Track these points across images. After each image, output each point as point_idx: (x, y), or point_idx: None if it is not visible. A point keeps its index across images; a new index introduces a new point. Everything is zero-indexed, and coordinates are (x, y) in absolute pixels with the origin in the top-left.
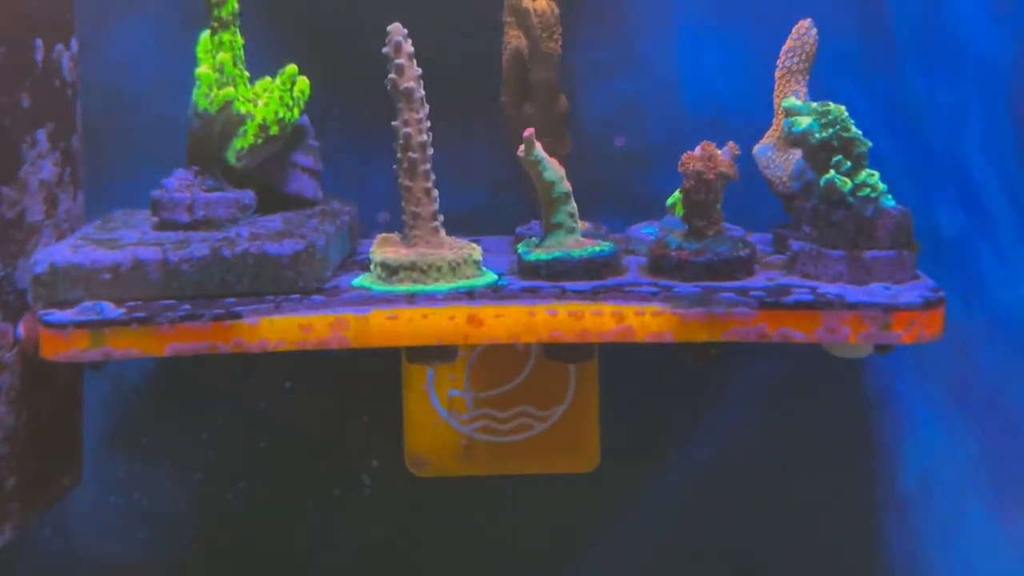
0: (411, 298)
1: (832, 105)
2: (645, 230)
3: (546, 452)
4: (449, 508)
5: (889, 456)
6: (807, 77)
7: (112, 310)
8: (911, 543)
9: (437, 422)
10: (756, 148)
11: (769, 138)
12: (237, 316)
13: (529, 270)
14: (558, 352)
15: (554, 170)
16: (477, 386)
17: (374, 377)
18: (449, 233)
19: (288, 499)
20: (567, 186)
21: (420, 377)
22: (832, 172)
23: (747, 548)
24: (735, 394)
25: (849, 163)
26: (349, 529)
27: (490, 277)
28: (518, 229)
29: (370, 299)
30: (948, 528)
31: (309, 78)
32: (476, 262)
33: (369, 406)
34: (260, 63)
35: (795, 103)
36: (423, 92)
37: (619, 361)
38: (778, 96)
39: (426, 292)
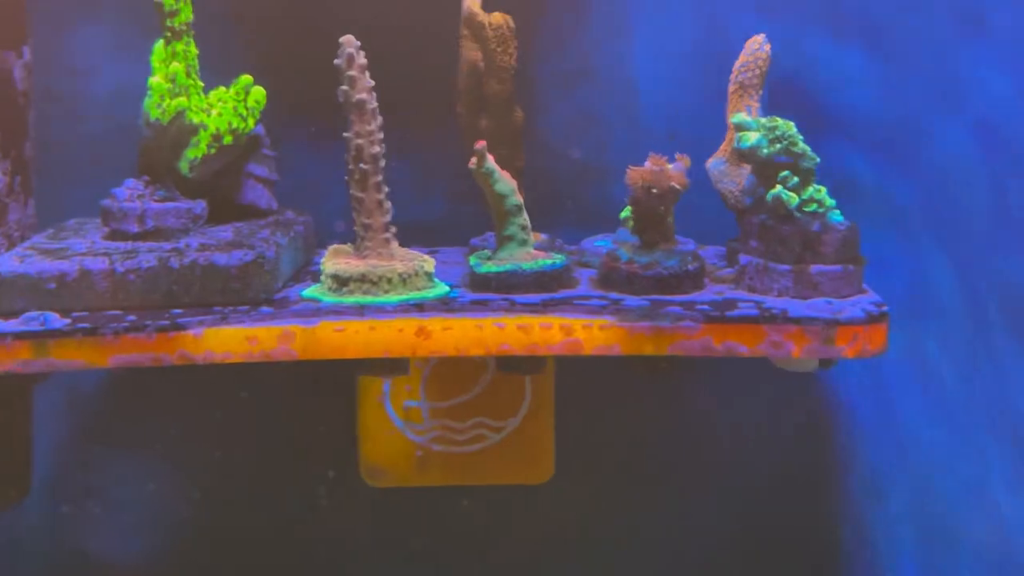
0: (360, 310)
1: (780, 121)
2: (599, 243)
3: (501, 463)
4: (405, 518)
5: (842, 465)
6: (760, 92)
7: (56, 320)
8: (866, 548)
9: (392, 432)
10: (709, 162)
11: (722, 153)
12: (182, 327)
13: (480, 282)
14: (510, 364)
15: (506, 182)
16: (433, 397)
17: (330, 387)
18: (408, 244)
19: (243, 509)
20: (519, 199)
21: (376, 388)
22: (779, 187)
23: (703, 558)
24: (689, 407)
25: (796, 178)
26: (304, 539)
27: (442, 289)
28: (472, 241)
29: (319, 311)
30: (903, 534)
31: (268, 89)
32: (428, 274)
33: (325, 416)
34: (218, 73)
35: (744, 119)
36: (376, 104)
37: (575, 373)
38: (731, 111)
39: (376, 304)
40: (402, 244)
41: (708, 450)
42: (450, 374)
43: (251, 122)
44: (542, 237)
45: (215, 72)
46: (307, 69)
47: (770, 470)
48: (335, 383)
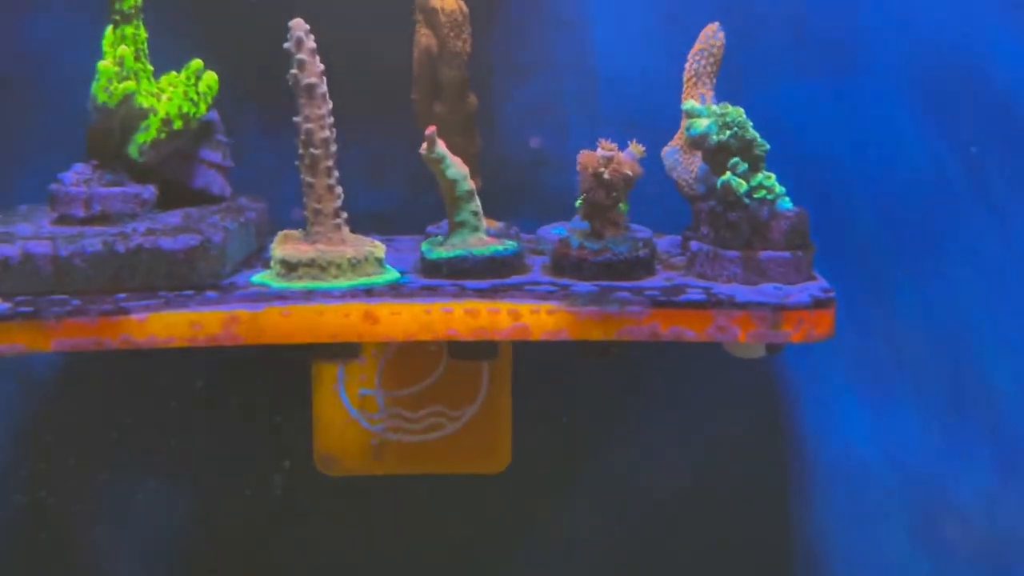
0: (308, 295)
1: (731, 108)
2: (555, 230)
3: (457, 452)
4: (361, 508)
5: (799, 449)
6: (715, 80)
7: None
8: (822, 533)
9: (347, 421)
10: (664, 151)
11: (676, 141)
12: (125, 312)
13: (431, 268)
14: (461, 351)
15: (457, 168)
16: (388, 385)
17: (286, 376)
18: (366, 232)
19: (198, 499)
20: (471, 184)
21: (330, 376)
22: (728, 174)
23: (660, 547)
24: (647, 393)
25: (746, 165)
26: (260, 530)
27: (392, 275)
28: (428, 228)
29: (266, 296)
30: (857, 516)
31: (224, 74)
32: (378, 260)
33: (281, 405)
34: (172, 58)
35: (694, 106)
36: (325, 88)
37: (533, 361)
38: (685, 99)
39: (324, 289)
40: (360, 232)
41: (662, 436)
42: (406, 362)
43: (202, 107)
44: (498, 224)
45: (170, 57)
46: (268, 53)
47: (725, 456)
48: (292, 372)
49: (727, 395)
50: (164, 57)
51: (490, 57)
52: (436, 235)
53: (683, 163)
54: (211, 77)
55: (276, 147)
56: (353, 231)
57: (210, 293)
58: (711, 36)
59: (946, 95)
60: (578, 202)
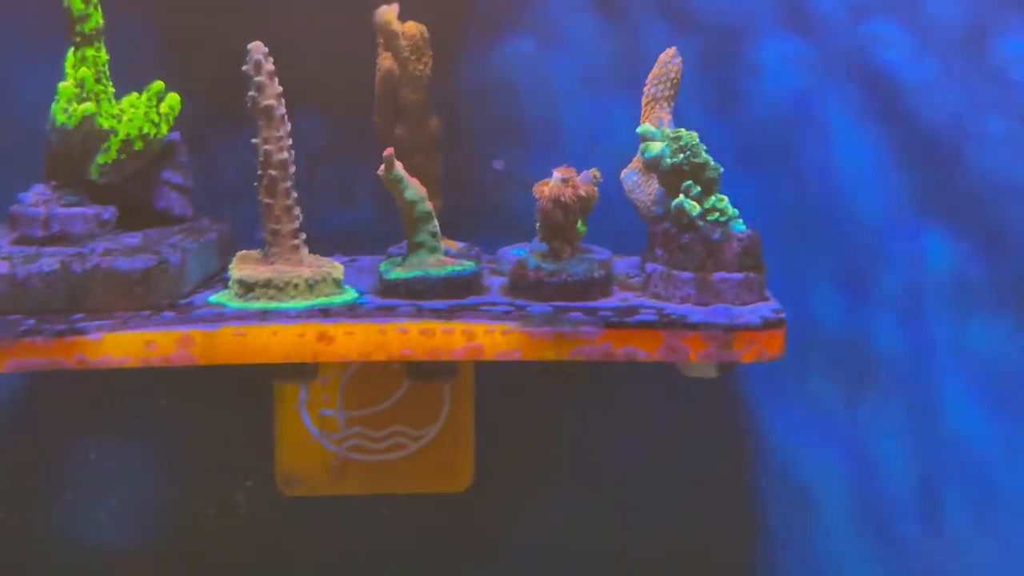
0: (264, 315)
1: (684, 132)
2: (514, 251)
3: (419, 471)
4: (324, 528)
5: (757, 465)
6: (672, 104)
7: None
8: (778, 548)
9: (309, 441)
10: (623, 173)
11: (635, 164)
12: (80, 332)
13: (389, 289)
14: (420, 371)
15: (415, 189)
16: (350, 405)
17: (249, 395)
18: (330, 253)
19: (162, 519)
20: (429, 206)
21: (292, 396)
22: (682, 196)
23: (622, 565)
24: (606, 413)
25: (699, 188)
26: (223, 549)
27: (350, 295)
28: (391, 249)
29: (221, 316)
30: (815, 533)
31: (189, 95)
32: (336, 280)
33: (244, 425)
34: (139, 80)
35: (648, 129)
36: (284, 110)
37: (495, 381)
38: (643, 122)
39: (281, 309)
40: (324, 253)
41: (622, 454)
42: (368, 383)
43: (164, 128)
44: (459, 245)
45: (134, 80)
46: (233, 75)
47: (685, 472)
48: (255, 391)
49: (683, 414)
50: (127, 79)
51: (452, 80)
52: (397, 256)
53: (641, 185)
54: (173, 99)
55: (243, 166)
56: (320, 252)
57: (167, 313)
58: (668, 61)
59: None
60: (538, 224)
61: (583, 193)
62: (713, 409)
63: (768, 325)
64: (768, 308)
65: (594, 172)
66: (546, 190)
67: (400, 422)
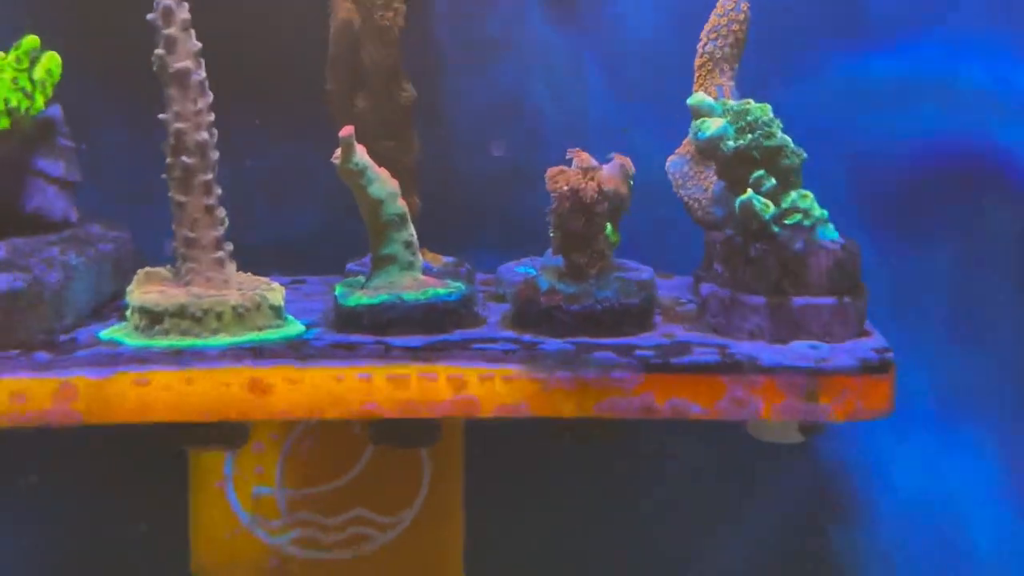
0: (175, 356)
1: (753, 104)
2: (521, 269)
3: (389, 573)
4: None
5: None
6: (736, 66)
7: None
8: None
9: (237, 531)
10: (669, 161)
11: (685, 148)
12: None
13: (348, 319)
14: (387, 434)
15: (383, 184)
16: (294, 481)
17: (155, 468)
18: (265, 272)
19: None
20: (402, 206)
21: (214, 469)
22: (750, 192)
23: None
24: (641, 492)
25: (773, 180)
26: None
27: (294, 329)
28: (349, 266)
29: (116, 358)
30: None
31: (70, 56)
32: (275, 308)
33: (147, 509)
34: (3, 36)
35: (703, 100)
36: (203, 75)
37: (494, 446)
38: (697, 91)
39: (198, 348)
40: (258, 271)
41: (662, 548)
42: (318, 451)
43: (39, 100)
44: (445, 261)
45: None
46: (134, 28)
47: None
48: (163, 463)
49: (749, 492)
50: None
51: (434, 35)
52: (357, 275)
53: (694, 178)
54: (52, 60)
55: (147, 155)
56: (253, 269)
57: (40, 354)
58: (731, 8)
59: None
60: (551, 232)
61: (611, 189)
62: (795, 487)
63: (868, 369)
64: (868, 346)
65: (625, 161)
66: (562, 181)
67: (363, 504)
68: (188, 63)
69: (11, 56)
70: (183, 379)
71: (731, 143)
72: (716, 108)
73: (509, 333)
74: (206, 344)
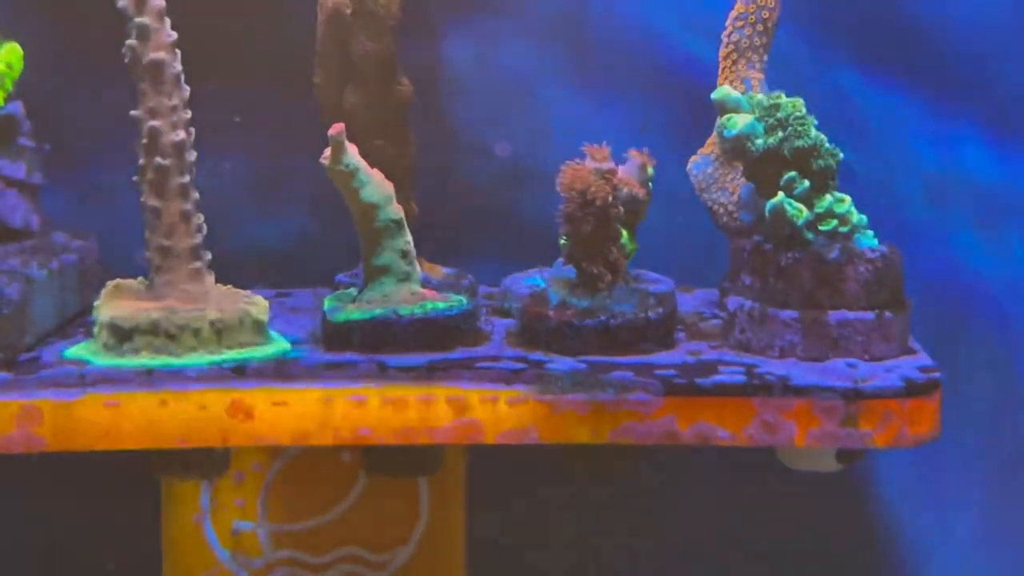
0: (147, 376)
1: (785, 98)
2: (528, 280)
3: None
4: None
5: None
6: (765, 57)
7: None
8: None
9: (214, 570)
10: (692, 162)
11: (709, 148)
12: None
13: (338, 336)
14: (383, 462)
15: (377, 187)
16: (278, 516)
17: (125, 499)
18: (250, 282)
19: None
20: (397, 211)
21: (189, 501)
22: (781, 195)
23: None
24: (672, 526)
25: (806, 183)
26: None
27: (278, 346)
28: (339, 277)
29: (83, 379)
30: None
31: (32, 48)
32: (257, 323)
33: (117, 544)
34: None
35: (729, 94)
36: (179, 67)
37: (499, 476)
38: (722, 84)
39: (173, 368)
40: (240, 283)
41: None
42: (305, 481)
43: None
44: (444, 272)
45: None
46: (106, 20)
47: None
48: (133, 492)
49: (779, 527)
50: None
51: (430, 21)
52: (348, 287)
53: (719, 180)
54: (12, 53)
55: (115, 157)
56: (234, 281)
57: (0, 374)
58: None
59: None
60: (562, 239)
61: (627, 192)
62: (833, 520)
63: (913, 391)
64: (912, 364)
65: (645, 159)
66: (574, 180)
67: (354, 542)
68: (163, 55)
69: None
70: (156, 401)
71: (760, 142)
72: (743, 103)
73: (516, 351)
74: (182, 363)
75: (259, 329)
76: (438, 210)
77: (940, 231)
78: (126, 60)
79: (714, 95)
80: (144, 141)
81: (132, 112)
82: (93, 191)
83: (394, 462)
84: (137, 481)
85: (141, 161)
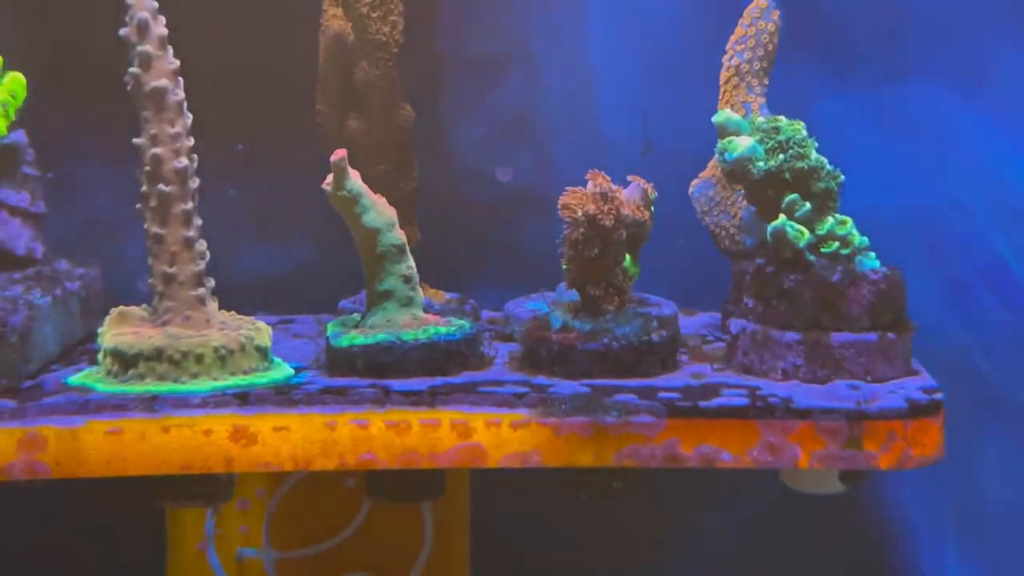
0: (150, 403)
1: (785, 121)
2: (531, 305)
3: None
4: None
5: None
6: (765, 80)
7: None
8: None
9: None
10: (694, 186)
11: (711, 171)
12: None
13: (341, 361)
14: (386, 487)
15: (379, 213)
16: (282, 542)
17: (129, 526)
18: (253, 308)
19: None
20: (400, 237)
21: (194, 527)
22: (782, 218)
23: None
24: (676, 548)
25: (808, 205)
26: None
27: (282, 372)
28: (342, 303)
29: (87, 405)
30: None
31: (36, 77)
32: (260, 349)
33: (120, 573)
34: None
35: (730, 117)
36: (182, 95)
37: (503, 499)
38: (722, 108)
39: (177, 394)
40: (243, 309)
41: None
42: (309, 507)
43: (2, 125)
44: (447, 297)
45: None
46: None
47: None
48: (137, 519)
49: (783, 549)
50: None
51: (436, 50)
52: (353, 312)
53: (721, 203)
54: (16, 82)
55: (118, 185)
56: (237, 308)
57: (4, 402)
58: (759, 17)
59: None
60: (564, 265)
61: (630, 216)
62: (837, 541)
63: (917, 412)
64: (916, 385)
65: (647, 185)
66: (576, 205)
67: (358, 567)
68: (165, 82)
69: None
70: (160, 428)
71: (761, 164)
72: (744, 126)
73: (519, 375)
74: (185, 390)
75: (262, 355)
76: (440, 235)
77: None
78: (128, 88)
79: (715, 119)
80: (147, 168)
81: (135, 140)
82: (96, 219)
83: (397, 488)
84: (142, 509)
85: (144, 188)
